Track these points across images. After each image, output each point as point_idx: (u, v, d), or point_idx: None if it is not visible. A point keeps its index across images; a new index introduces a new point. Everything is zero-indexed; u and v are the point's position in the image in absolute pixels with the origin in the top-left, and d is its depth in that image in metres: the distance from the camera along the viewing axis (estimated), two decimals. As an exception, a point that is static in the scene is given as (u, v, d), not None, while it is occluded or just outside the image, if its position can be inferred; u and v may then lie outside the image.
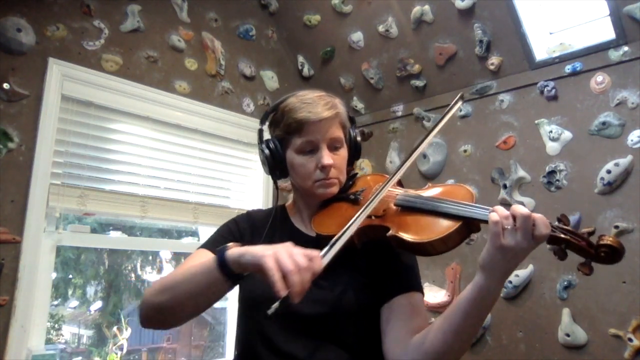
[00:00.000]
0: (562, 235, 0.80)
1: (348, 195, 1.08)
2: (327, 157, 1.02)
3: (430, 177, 2.50)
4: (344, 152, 1.09)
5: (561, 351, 1.95)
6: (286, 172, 1.08)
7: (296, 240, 1.07)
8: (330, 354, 0.94)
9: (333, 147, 1.05)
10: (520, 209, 0.79)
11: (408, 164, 1.03)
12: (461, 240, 0.90)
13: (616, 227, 1.87)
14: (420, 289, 1.05)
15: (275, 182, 1.12)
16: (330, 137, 1.04)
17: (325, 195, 1.06)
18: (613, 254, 0.77)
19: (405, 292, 1.01)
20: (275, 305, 0.76)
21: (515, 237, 0.78)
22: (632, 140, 1.90)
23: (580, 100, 2.06)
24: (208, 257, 0.99)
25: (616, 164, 1.90)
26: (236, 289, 1.04)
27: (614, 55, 1.97)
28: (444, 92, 2.50)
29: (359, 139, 1.14)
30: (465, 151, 2.40)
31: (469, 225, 0.88)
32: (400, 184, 1.10)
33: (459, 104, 1.10)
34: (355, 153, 1.13)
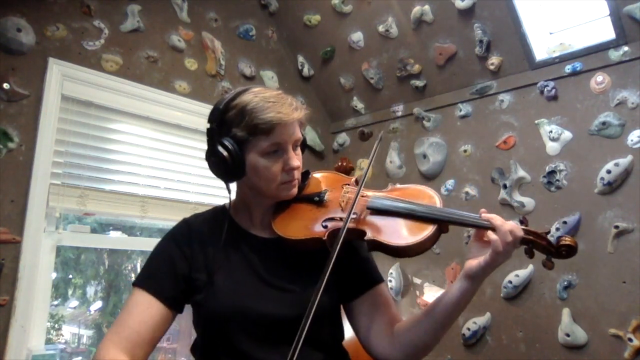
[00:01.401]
0: (529, 237, 0.92)
1: (311, 197, 1.06)
2: (295, 160, 1.00)
3: (430, 177, 2.50)
4: (299, 152, 1.06)
5: (561, 351, 1.95)
6: (242, 175, 1.00)
7: (251, 245, 1.04)
8: (307, 357, 0.92)
9: (294, 147, 1.02)
10: (511, 230, 0.89)
11: (372, 158, 1.07)
12: (434, 242, 0.96)
13: (616, 227, 1.87)
14: (382, 279, 1.10)
15: (228, 187, 1.04)
16: (296, 138, 1.00)
17: (288, 196, 1.03)
18: (571, 251, 0.92)
19: (375, 285, 1.06)
20: None
21: (508, 254, 0.89)
22: (632, 140, 1.90)
23: (580, 100, 2.06)
24: (152, 308, 0.96)
25: (616, 164, 1.90)
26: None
27: (614, 55, 1.97)
28: (444, 92, 2.50)
29: (305, 136, 1.10)
30: (465, 151, 2.40)
31: (441, 228, 0.95)
32: (356, 182, 1.11)
33: (379, 141, 1.12)
34: (303, 150, 1.10)
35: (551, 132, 2.10)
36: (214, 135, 1.00)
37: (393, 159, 2.68)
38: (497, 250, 0.88)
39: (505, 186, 2.20)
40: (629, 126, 1.91)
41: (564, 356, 1.95)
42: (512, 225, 0.89)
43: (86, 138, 2.04)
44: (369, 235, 0.94)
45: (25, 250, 1.76)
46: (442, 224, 0.94)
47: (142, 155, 2.21)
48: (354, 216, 0.98)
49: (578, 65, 2.06)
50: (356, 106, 2.88)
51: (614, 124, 1.94)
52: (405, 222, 0.96)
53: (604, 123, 1.96)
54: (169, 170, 2.30)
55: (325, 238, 0.96)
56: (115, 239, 2.48)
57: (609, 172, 1.91)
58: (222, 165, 0.98)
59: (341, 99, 2.92)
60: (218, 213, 1.11)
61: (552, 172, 2.08)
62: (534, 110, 2.19)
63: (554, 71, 2.13)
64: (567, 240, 0.92)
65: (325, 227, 0.99)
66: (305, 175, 1.11)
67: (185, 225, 1.08)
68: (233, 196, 1.08)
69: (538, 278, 2.07)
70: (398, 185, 1.08)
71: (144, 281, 1.00)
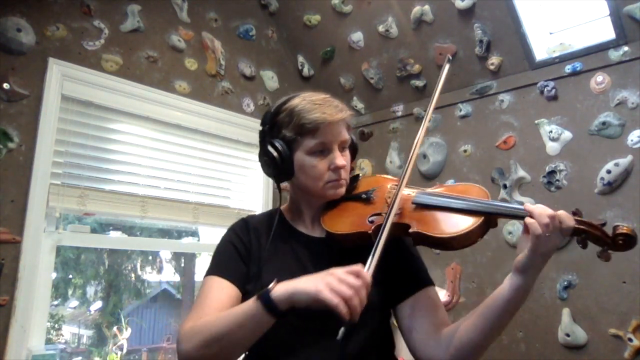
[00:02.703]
0: (582, 227, 0.88)
1: (358, 195, 1.09)
2: (340, 159, 1.04)
3: (430, 177, 2.50)
4: (348, 154, 1.10)
5: (561, 351, 1.95)
6: (291, 174, 1.06)
7: (302, 243, 1.08)
8: (344, 352, 0.95)
9: (342, 149, 1.07)
10: (550, 214, 0.86)
11: (417, 150, 1.08)
12: (481, 236, 0.94)
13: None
14: (432, 281, 1.09)
15: (278, 185, 1.10)
16: (342, 139, 1.05)
17: (335, 195, 1.06)
18: (630, 241, 0.85)
19: (424, 287, 1.06)
20: (343, 330, 0.79)
21: (553, 241, 0.86)
22: (632, 140, 1.90)
23: (580, 100, 2.06)
24: (227, 289, 0.99)
25: (616, 164, 1.90)
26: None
27: (614, 55, 1.97)
28: (444, 92, 2.48)
29: (355, 140, 1.15)
30: (465, 151, 2.40)
31: (489, 221, 0.94)
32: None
33: (447, 66, 1.15)
34: (354, 155, 1.15)
35: (551, 132, 2.11)
36: (265, 137, 1.07)
37: (393, 159, 2.68)
38: (535, 234, 0.85)
39: (505, 186, 2.20)
40: (629, 126, 1.91)
41: (564, 356, 1.95)
42: (553, 211, 0.87)
43: (86, 138, 2.04)
44: (414, 228, 0.95)
45: (25, 250, 1.76)
46: (488, 216, 0.93)
47: (142, 155, 2.22)
48: (399, 211, 0.99)
49: (578, 65, 2.06)
50: (356, 106, 2.88)
51: (614, 124, 1.94)
52: (450, 215, 0.96)
53: (604, 123, 1.96)
54: (169, 170, 2.30)
55: (370, 232, 0.98)
56: (115, 239, 2.48)
57: (609, 172, 1.91)
58: (272, 165, 1.04)
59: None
60: (272, 213, 1.15)
61: (552, 172, 2.08)
62: (534, 110, 2.19)
63: (554, 71, 2.13)
64: (624, 229, 0.85)
65: (372, 222, 1.01)
66: (355, 178, 1.15)
67: (243, 222, 1.14)
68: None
69: (538, 278, 2.06)
70: (444, 184, 1.11)
71: (214, 270, 1.04)
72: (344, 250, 1.02)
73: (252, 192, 2.61)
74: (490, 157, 2.31)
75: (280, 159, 1.03)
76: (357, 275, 0.80)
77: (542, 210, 0.86)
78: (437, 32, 2.39)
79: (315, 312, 0.88)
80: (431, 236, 0.94)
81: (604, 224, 0.88)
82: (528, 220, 0.87)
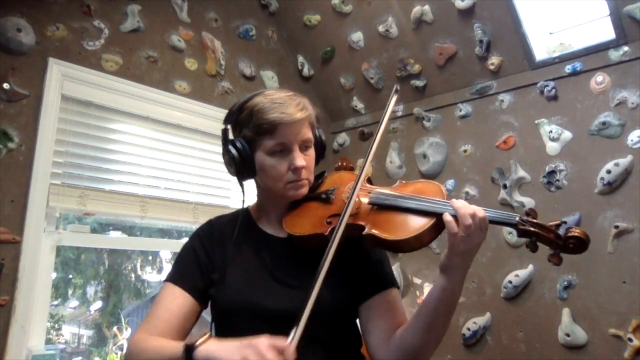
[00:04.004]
0: (532, 229, 0.86)
1: (319, 195, 1.08)
2: (299, 159, 1.01)
3: (430, 177, 2.50)
4: (312, 153, 1.08)
5: (561, 351, 1.95)
6: (253, 174, 1.05)
7: (265, 243, 1.07)
8: (307, 353, 0.92)
9: (303, 148, 1.04)
10: (466, 212, 0.85)
11: (370, 158, 1.07)
12: (435, 237, 0.92)
13: (616, 227, 1.87)
14: (394, 284, 1.07)
15: (241, 184, 1.08)
16: (302, 138, 1.02)
17: (297, 196, 1.05)
18: (580, 245, 0.85)
19: (382, 290, 1.03)
20: None
21: (471, 240, 0.86)
22: (632, 140, 1.90)
23: (580, 100, 2.06)
24: (179, 298, 1.01)
25: (616, 164, 1.90)
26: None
27: (614, 55, 1.97)
28: (444, 92, 2.51)
29: (324, 138, 1.14)
30: (465, 151, 2.40)
31: (442, 222, 0.91)
32: (369, 181, 1.12)
33: (395, 97, 1.11)
34: (321, 152, 1.13)
35: (551, 132, 2.11)
36: (227, 136, 1.05)
37: (393, 159, 2.68)
38: (451, 232, 0.86)
39: (505, 186, 2.20)
40: (629, 126, 1.91)
41: (564, 356, 1.95)
42: (473, 209, 0.86)
43: (86, 138, 2.04)
44: (367, 229, 0.94)
45: (25, 250, 1.76)
46: (435, 216, 0.91)
47: (142, 155, 2.21)
48: (356, 211, 0.98)
49: (578, 65, 2.06)
50: (356, 106, 2.88)
51: (614, 124, 1.94)
52: (404, 216, 0.94)
53: (604, 123, 1.97)
54: (169, 170, 2.30)
55: (326, 234, 0.96)
56: (115, 239, 2.48)
57: (609, 172, 1.91)
58: (233, 164, 1.03)
59: (341, 99, 2.93)
60: (239, 214, 1.14)
61: (552, 172, 2.08)
62: (534, 110, 2.19)
63: (554, 71, 2.13)
64: (576, 232, 0.84)
65: (329, 223, 0.99)
66: (320, 175, 1.14)
67: (208, 225, 1.14)
68: (247, 196, 1.11)
69: (538, 278, 2.07)
70: (405, 182, 1.07)
71: (172, 275, 1.06)
72: (306, 251, 1.01)
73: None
74: (490, 157, 2.31)
75: (240, 158, 1.02)
76: (281, 352, 0.76)
77: (465, 210, 0.85)
78: (437, 32, 2.39)
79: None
80: (384, 239, 0.92)
81: (559, 225, 0.86)
82: (445, 217, 0.87)
